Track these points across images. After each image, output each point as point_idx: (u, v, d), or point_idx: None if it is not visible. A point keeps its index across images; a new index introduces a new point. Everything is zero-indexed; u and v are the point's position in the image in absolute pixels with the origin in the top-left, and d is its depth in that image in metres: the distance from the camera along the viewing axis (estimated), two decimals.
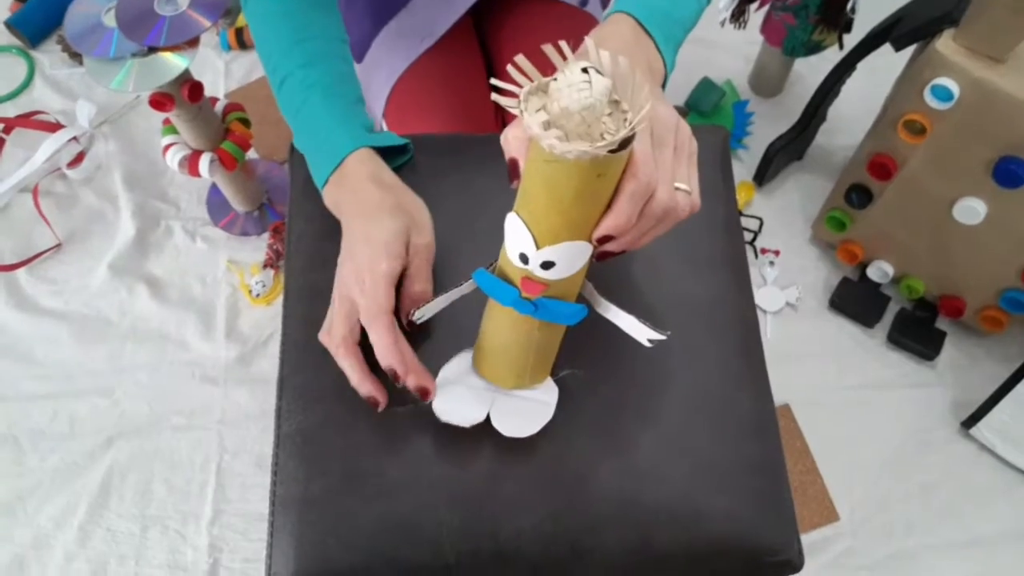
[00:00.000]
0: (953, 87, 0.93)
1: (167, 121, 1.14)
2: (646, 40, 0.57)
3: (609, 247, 0.47)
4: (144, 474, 1.15)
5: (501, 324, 0.53)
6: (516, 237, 0.46)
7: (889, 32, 1.04)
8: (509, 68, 0.41)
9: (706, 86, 1.42)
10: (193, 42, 1.00)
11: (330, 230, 0.63)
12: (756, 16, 1.32)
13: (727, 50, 1.51)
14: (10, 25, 1.50)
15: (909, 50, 1.04)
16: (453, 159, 0.70)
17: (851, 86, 1.24)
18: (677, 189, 0.48)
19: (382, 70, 0.92)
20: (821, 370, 1.25)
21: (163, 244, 1.33)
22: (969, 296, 1.18)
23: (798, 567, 0.60)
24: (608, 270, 0.55)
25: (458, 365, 0.58)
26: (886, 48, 1.06)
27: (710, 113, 1.42)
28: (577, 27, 0.92)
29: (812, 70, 1.47)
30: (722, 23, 1.32)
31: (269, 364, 1.22)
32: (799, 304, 1.29)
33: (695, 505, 0.58)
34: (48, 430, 1.18)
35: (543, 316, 0.50)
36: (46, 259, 1.32)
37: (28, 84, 1.49)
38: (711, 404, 0.62)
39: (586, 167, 0.41)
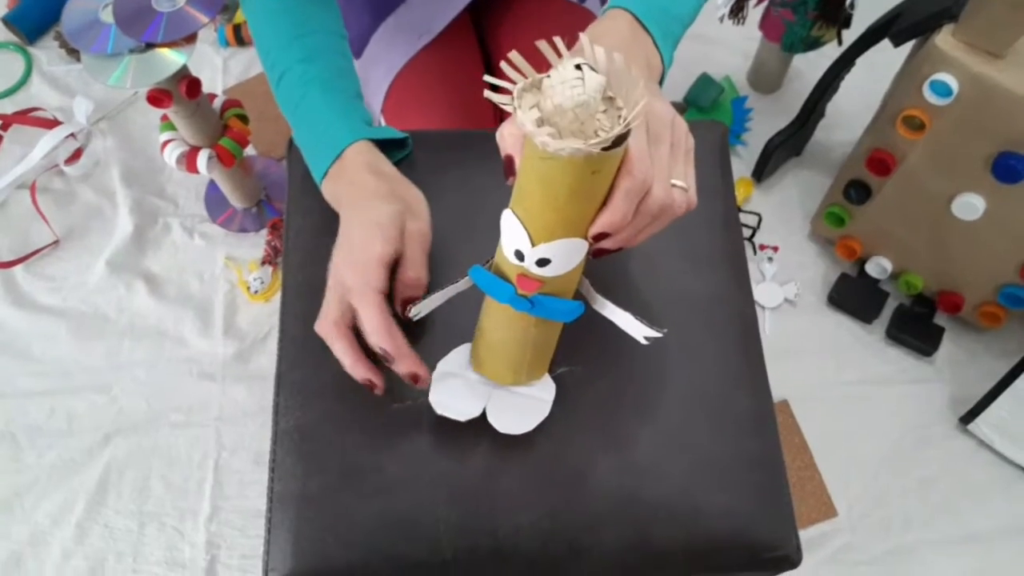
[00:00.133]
0: (952, 83, 0.92)
1: (165, 117, 1.14)
2: (643, 36, 0.57)
3: (605, 244, 0.47)
4: (142, 471, 1.15)
5: (498, 320, 0.53)
6: (511, 234, 0.46)
7: (888, 28, 1.03)
8: (503, 65, 0.40)
9: (705, 82, 1.42)
10: (191, 38, 1.00)
11: (328, 226, 0.62)
12: (755, 12, 1.32)
13: (726, 46, 1.51)
14: (7, 21, 1.50)
15: (908, 46, 1.04)
16: (451, 155, 0.70)
17: (850, 82, 1.24)
18: (673, 186, 0.47)
19: (380, 66, 0.92)
20: (819, 366, 1.25)
21: (161, 241, 1.33)
22: (967, 292, 1.18)
23: (796, 563, 0.60)
24: (606, 267, 0.55)
25: (455, 359, 0.58)
26: (885, 44, 1.06)
27: (709, 109, 1.42)
28: (576, 23, 0.92)
29: (811, 66, 1.47)
30: (721, 19, 1.32)
31: (267, 360, 1.22)
32: (798, 300, 1.29)
33: (693, 502, 0.58)
34: (46, 427, 1.18)
35: (539, 313, 0.50)
36: (44, 256, 1.31)
37: (26, 80, 1.49)
38: (709, 400, 0.62)
39: (580, 164, 0.41)
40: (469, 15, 0.98)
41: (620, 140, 0.41)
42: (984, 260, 1.11)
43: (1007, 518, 1.14)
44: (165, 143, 1.14)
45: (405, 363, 0.55)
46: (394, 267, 0.58)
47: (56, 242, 1.32)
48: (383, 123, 0.94)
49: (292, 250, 0.67)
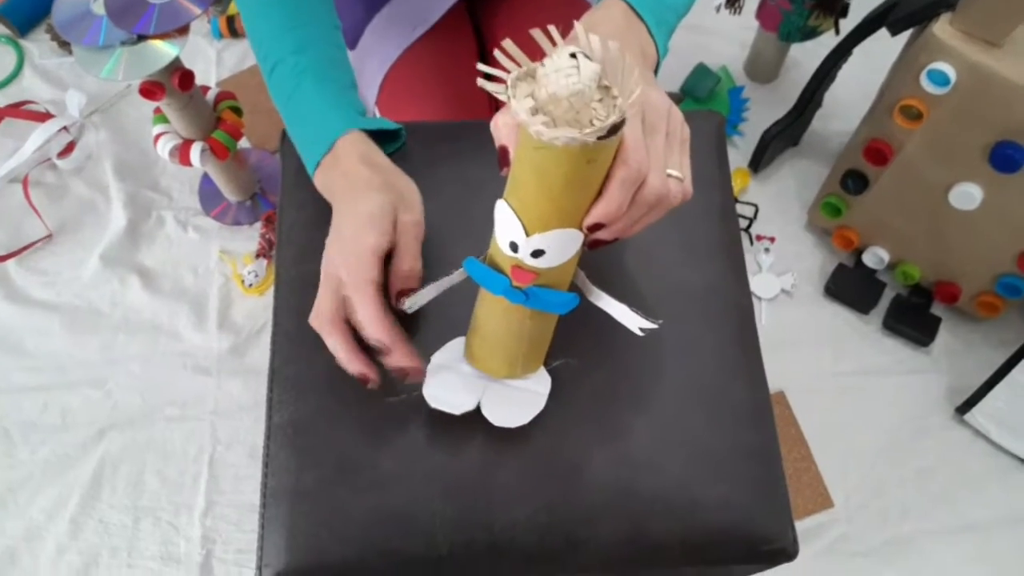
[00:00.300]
0: (950, 72, 0.92)
1: (158, 110, 1.13)
2: (638, 25, 0.56)
3: (600, 235, 0.47)
4: (136, 465, 1.15)
5: (492, 313, 0.52)
6: (505, 225, 0.46)
7: (885, 17, 1.03)
8: (496, 53, 0.40)
9: (701, 72, 1.41)
10: (183, 30, 0.99)
11: (322, 219, 0.62)
12: (751, 1, 1.31)
13: (722, 36, 1.51)
14: None
15: (905, 35, 1.03)
16: (447, 146, 0.69)
17: (847, 71, 1.23)
18: (669, 176, 0.47)
19: (375, 57, 0.91)
20: (816, 357, 1.24)
21: (155, 234, 1.32)
22: (965, 282, 1.18)
23: (792, 555, 0.59)
24: (602, 258, 0.55)
25: (450, 352, 0.57)
26: (882, 33, 1.05)
27: (705, 99, 1.41)
28: (571, 13, 0.91)
29: (808, 55, 1.46)
30: (717, 9, 1.31)
31: (262, 354, 1.22)
32: (794, 291, 1.29)
33: (690, 494, 0.58)
34: (39, 422, 1.17)
35: (534, 305, 0.49)
36: (37, 250, 1.31)
37: (17, 73, 1.48)
38: (706, 392, 0.62)
39: (575, 153, 0.40)
40: (464, 5, 0.98)
41: (615, 129, 0.41)
42: (981, 250, 1.11)
43: (1004, 508, 1.14)
44: (158, 136, 1.13)
45: (400, 356, 0.54)
46: (388, 258, 0.57)
47: (49, 236, 1.32)
48: (377, 115, 0.93)
49: (286, 244, 0.67)
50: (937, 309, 1.26)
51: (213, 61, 1.49)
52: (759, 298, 1.28)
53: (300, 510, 0.56)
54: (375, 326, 0.54)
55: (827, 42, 1.23)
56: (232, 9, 1.52)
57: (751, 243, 1.33)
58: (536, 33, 0.39)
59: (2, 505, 1.12)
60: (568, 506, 0.57)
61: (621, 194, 0.44)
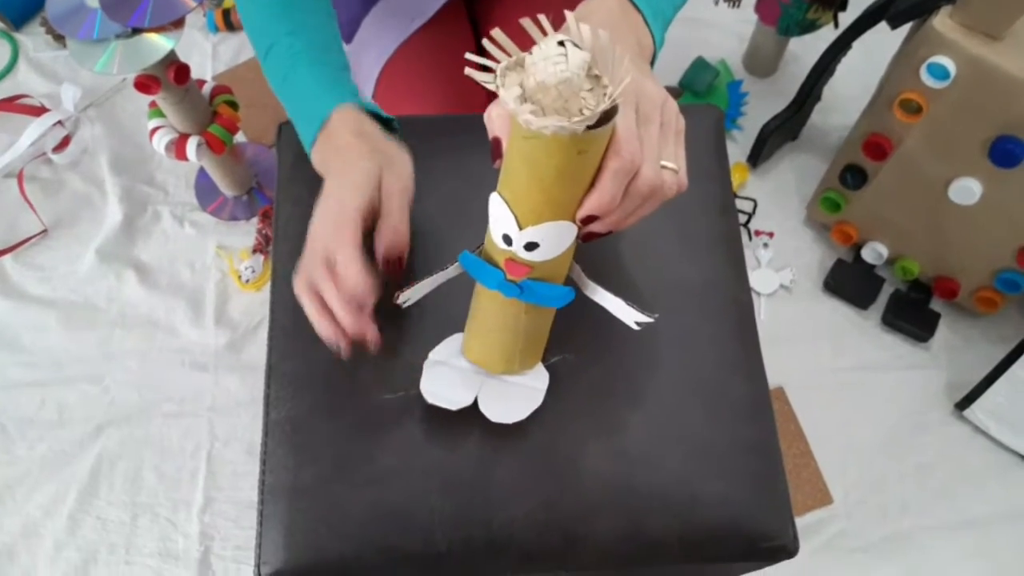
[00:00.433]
0: (950, 65, 0.92)
1: (153, 104, 1.12)
2: (634, 15, 0.56)
3: (594, 228, 0.46)
4: (134, 462, 1.14)
5: (488, 308, 0.52)
6: (499, 218, 0.46)
7: (885, 10, 1.02)
8: (485, 42, 0.40)
9: (700, 66, 1.41)
10: (178, 23, 0.98)
11: None
12: None
13: (721, 29, 1.50)
14: None
15: (905, 28, 1.03)
16: (444, 141, 0.69)
17: (846, 65, 1.23)
18: (664, 167, 0.46)
19: (371, 51, 0.90)
20: (815, 352, 1.24)
21: (151, 229, 1.31)
22: (964, 277, 1.18)
23: (793, 552, 0.59)
24: (599, 253, 0.54)
25: (447, 348, 0.57)
26: (882, 26, 1.05)
27: (704, 93, 1.40)
28: (569, 5, 0.90)
29: (807, 49, 1.46)
30: (716, 2, 1.31)
31: (260, 350, 1.21)
32: (793, 286, 1.29)
33: (689, 490, 0.58)
34: (36, 418, 1.17)
35: (529, 299, 0.49)
36: (32, 245, 1.30)
37: (12, 67, 1.47)
38: (705, 387, 0.61)
39: (566, 143, 0.40)
40: None
41: (606, 119, 0.40)
42: (981, 245, 1.11)
43: (1003, 504, 1.14)
44: (154, 130, 1.12)
45: (365, 322, 0.54)
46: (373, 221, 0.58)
47: (45, 231, 1.31)
48: None
49: (282, 239, 0.66)
50: (936, 305, 1.25)
51: (209, 55, 1.49)
52: (758, 293, 1.28)
53: (298, 507, 0.56)
54: (356, 278, 0.53)
55: (826, 36, 1.23)
56: (228, 2, 1.51)
57: (750, 238, 1.33)
58: (526, 22, 0.39)
59: (0, 502, 1.12)
60: (566, 503, 0.57)
61: (614, 185, 0.43)
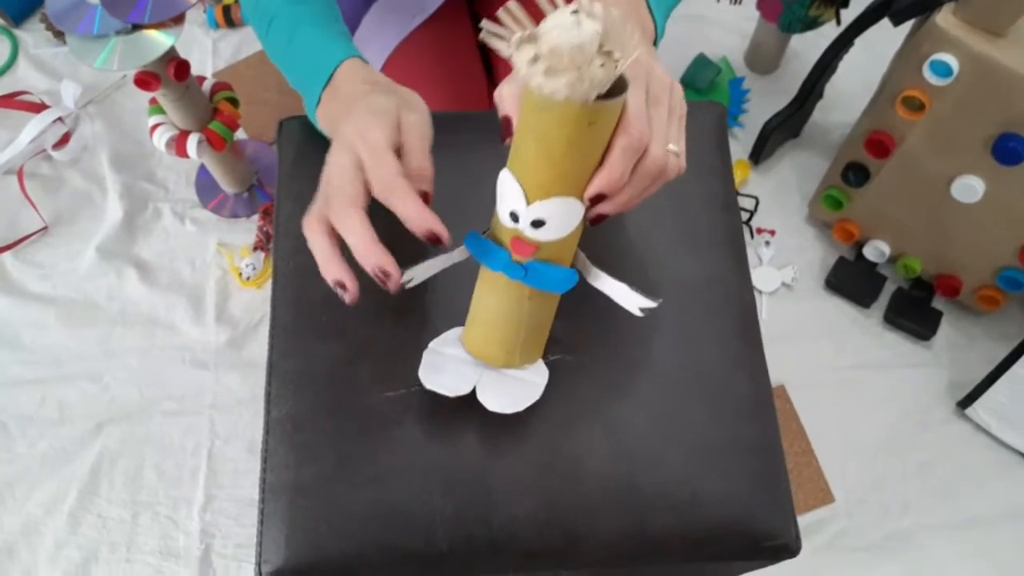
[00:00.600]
0: (952, 62, 0.91)
1: (153, 101, 1.12)
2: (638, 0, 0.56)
3: (602, 208, 0.47)
4: (135, 460, 1.14)
5: (492, 293, 0.52)
6: (507, 194, 0.46)
7: (887, 7, 1.02)
8: (500, 13, 0.40)
9: (702, 63, 1.41)
10: (179, 19, 0.98)
11: None
12: None
13: (723, 26, 1.50)
14: None
15: (907, 25, 1.02)
16: (445, 137, 0.68)
17: (848, 62, 1.23)
18: (668, 150, 0.47)
19: (372, 47, 0.90)
20: (817, 351, 1.24)
21: (152, 227, 1.31)
22: (966, 275, 1.17)
23: (795, 551, 0.59)
24: (603, 248, 0.54)
25: (448, 338, 0.57)
26: (884, 23, 1.04)
27: (706, 90, 1.40)
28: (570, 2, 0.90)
29: (809, 46, 1.45)
30: None
31: (260, 348, 1.21)
32: (795, 284, 1.28)
33: (691, 488, 0.58)
34: (37, 416, 1.17)
35: (533, 281, 0.49)
36: (32, 243, 1.30)
37: (12, 64, 1.46)
38: (707, 385, 0.61)
39: (576, 114, 0.41)
40: None
41: (617, 91, 0.41)
42: (983, 243, 1.10)
43: (1005, 502, 1.14)
44: (154, 127, 1.12)
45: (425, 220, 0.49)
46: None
47: (45, 228, 1.31)
48: None
49: (283, 236, 0.66)
50: (938, 303, 1.25)
51: (209, 51, 1.48)
52: (760, 292, 1.27)
53: (299, 505, 0.56)
54: (387, 166, 0.50)
55: (828, 33, 1.22)
56: None
57: (752, 236, 1.32)
58: None
59: (0, 500, 1.11)
60: (567, 501, 0.57)
61: (623, 162, 0.44)
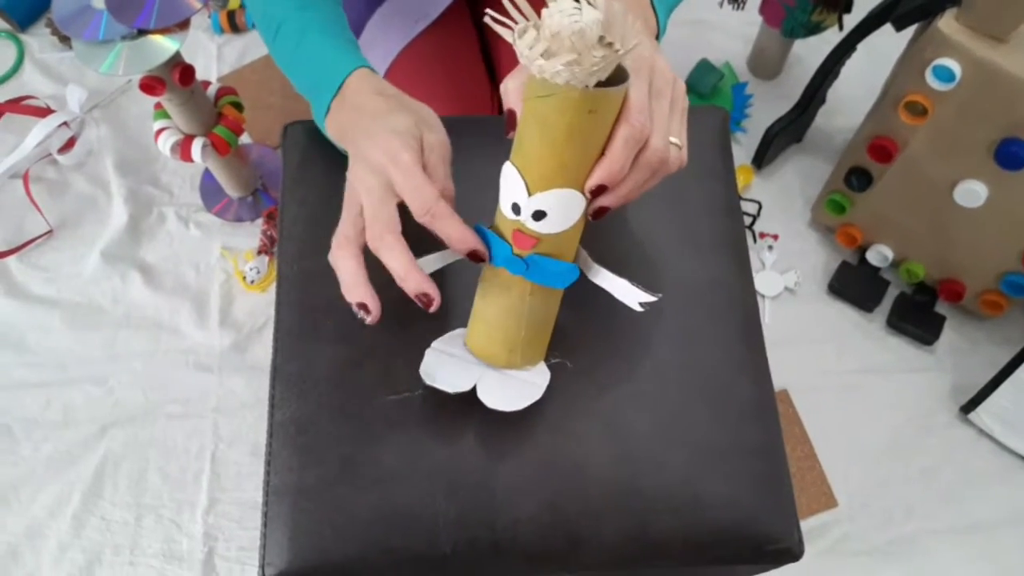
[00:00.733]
0: (955, 67, 0.91)
1: (158, 105, 1.12)
2: None
3: (603, 201, 0.47)
4: (138, 463, 1.14)
5: (494, 290, 0.52)
6: (509, 186, 0.47)
7: (890, 12, 1.02)
8: (505, 2, 0.41)
9: (704, 68, 1.41)
10: (184, 24, 0.98)
11: (324, 215, 0.62)
12: None
13: (725, 31, 1.50)
14: None
15: (910, 30, 1.02)
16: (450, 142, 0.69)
17: (851, 67, 1.23)
18: (670, 142, 0.48)
19: (376, 52, 0.90)
20: (820, 355, 1.24)
21: (156, 231, 1.32)
22: (969, 280, 1.17)
23: (798, 555, 0.59)
24: (606, 251, 0.54)
25: (451, 339, 0.57)
26: (887, 28, 1.05)
27: (708, 95, 1.40)
28: None
29: (811, 51, 1.45)
30: (720, 4, 1.31)
31: (264, 351, 1.22)
32: (798, 288, 1.28)
33: (693, 492, 0.58)
34: (41, 419, 1.17)
35: (534, 276, 0.49)
36: (37, 246, 1.30)
37: (17, 68, 1.47)
38: (710, 389, 0.61)
39: (577, 101, 0.42)
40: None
41: (618, 80, 0.42)
42: (986, 248, 1.10)
43: (1008, 507, 1.14)
44: (159, 131, 1.12)
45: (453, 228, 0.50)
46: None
47: (50, 232, 1.31)
48: None
49: (287, 240, 0.66)
50: (941, 307, 1.25)
51: (214, 56, 1.49)
52: (762, 296, 1.27)
53: (302, 508, 0.56)
54: (426, 189, 0.50)
55: (831, 38, 1.23)
56: (233, 3, 1.51)
57: (754, 240, 1.33)
58: None
59: (4, 502, 1.12)
60: (570, 504, 0.57)
61: (624, 153, 0.44)
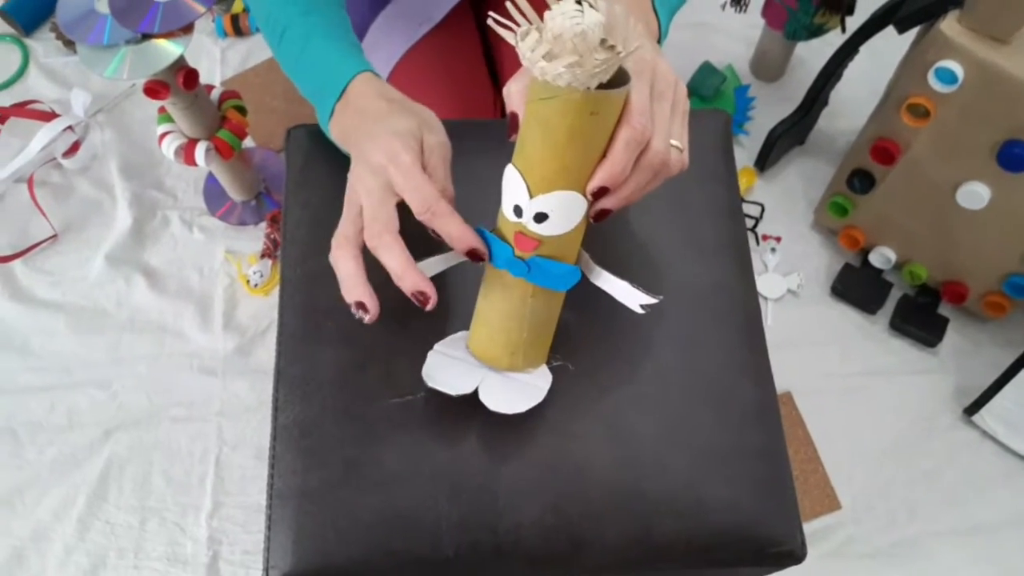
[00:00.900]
0: (957, 69, 0.91)
1: (162, 109, 1.13)
2: None
3: (604, 203, 0.47)
4: (143, 466, 1.14)
5: (495, 293, 0.53)
6: (511, 188, 0.47)
7: (892, 14, 1.02)
8: (508, 5, 0.41)
9: (707, 70, 1.41)
10: (188, 28, 0.99)
11: (327, 218, 0.62)
12: None
13: (728, 34, 1.50)
14: (4, 13, 1.49)
15: (912, 32, 1.03)
16: (451, 145, 0.69)
17: (853, 69, 1.23)
18: (671, 145, 0.48)
19: (380, 54, 0.91)
20: (823, 358, 1.24)
21: (160, 234, 1.32)
22: (972, 282, 1.17)
23: (801, 558, 0.59)
24: (608, 254, 0.54)
25: (453, 341, 0.57)
26: (889, 31, 1.05)
27: (711, 98, 1.41)
28: None
29: (814, 53, 1.46)
30: (723, 6, 1.31)
31: (268, 354, 1.22)
32: (800, 291, 1.28)
33: (696, 495, 0.58)
34: (46, 422, 1.17)
35: (536, 278, 0.50)
36: (42, 250, 1.31)
37: (22, 73, 1.48)
38: (712, 392, 0.61)
39: (579, 102, 0.42)
40: (468, 2, 0.97)
41: (620, 82, 0.42)
42: (989, 249, 1.10)
43: (1012, 509, 1.13)
44: (163, 135, 1.13)
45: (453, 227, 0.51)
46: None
47: (55, 236, 1.32)
48: None
49: (290, 243, 0.67)
50: (944, 309, 1.25)
51: (217, 60, 1.49)
52: (765, 298, 1.27)
53: (306, 511, 0.56)
54: (426, 189, 0.51)
55: (833, 40, 1.23)
56: (236, 7, 1.52)
57: (757, 243, 1.33)
58: None
59: (9, 506, 1.12)
60: (573, 507, 0.57)
61: (625, 155, 0.44)
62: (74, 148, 1.37)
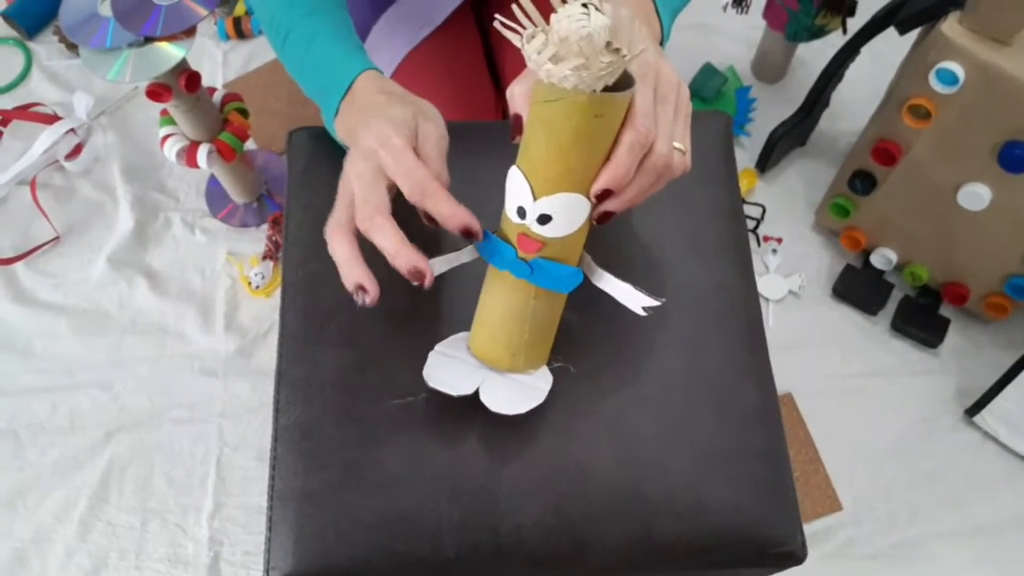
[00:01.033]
0: (958, 71, 0.91)
1: (165, 112, 1.13)
2: (646, 0, 0.57)
3: (608, 205, 0.47)
4: (144, 468, 1.15)
5: (498, 293, 0.53)
6: (515, 190, 0.47)
7: (893, 15, 1.02)
8: (513, 8, 0.41)
9: (708, 72, 1.41)
10: (190, 31, 0.99)
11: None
12: (758, 1, 1.31)
13: (729, 35, 1.50)
14: (7, 16, 1.49)
15: (913, 34, 1.03)
16: (453, 146, 0.69)
17: (855, 71, 1.23)
18: (673, 147, 0.48)
19: (380, 57, 0.91)
20: (824, 358, 1.24)
21: (162, 236, 1.32)
22: (973, 283, 1.17)
23: (801, 558, 0.59)
24: (611, 256, 0.54)
25: (454, 341, 0.57)
26: (890, 32, 1.05)
27: (712, 99, 1.41)
28: None
29: (815, 55, 1.46)
30: (724, 8, 1.31)
31: (269, 356, 1.22)
32: (802, 292, 1.28)
33: (697, 496, 0.58)
34: (48, 424, 1.18)
35: (538, 279, 0.50)
36: (44, 252, 1.31)
37: (25, 76, 1.48)
38: (713, 392, 0.61)
39: (584, 104, 0.42)
40: (470, 5, 0.98)
41: (624, 85, 0.43)
42: (990, 250, 1.10)
43: (1013, 510, 1.13)
44: (165, 138, 1.13)
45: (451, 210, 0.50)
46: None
47: (57, 238, 1.32)
48: None
49: (292, 245, 0.67)
50: (946, 310, 1.25)
51: (219, 63, 1.50)
52: (766, 299, 1.27)
53: (307, 512, 0.56)
54: (417, 171, 0.51)
55: (834, 41, 1.23)
56: (239, 10, 1.52)
57: (758, 244, 1.33)
58: None
59: (11, 507, 1.12)
60: (574, 508, 0.57)
61: (629, 158, 0.45)
62: (76, 151, 1.38)
